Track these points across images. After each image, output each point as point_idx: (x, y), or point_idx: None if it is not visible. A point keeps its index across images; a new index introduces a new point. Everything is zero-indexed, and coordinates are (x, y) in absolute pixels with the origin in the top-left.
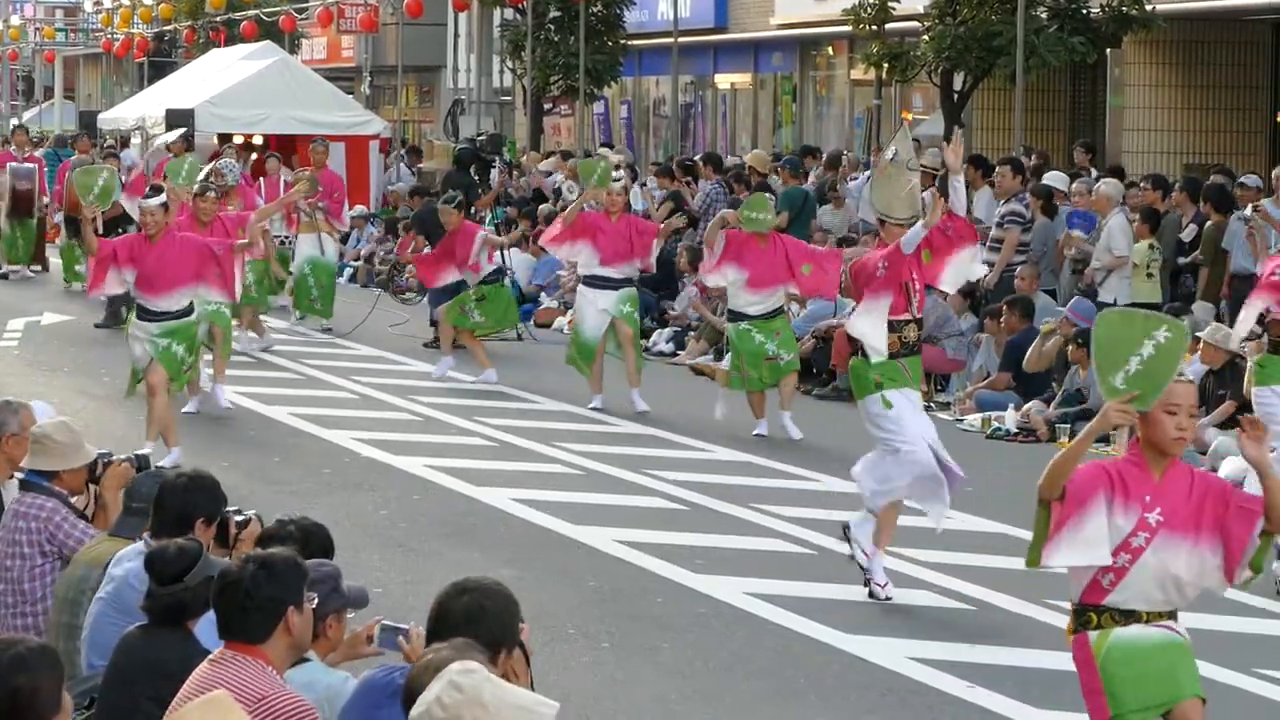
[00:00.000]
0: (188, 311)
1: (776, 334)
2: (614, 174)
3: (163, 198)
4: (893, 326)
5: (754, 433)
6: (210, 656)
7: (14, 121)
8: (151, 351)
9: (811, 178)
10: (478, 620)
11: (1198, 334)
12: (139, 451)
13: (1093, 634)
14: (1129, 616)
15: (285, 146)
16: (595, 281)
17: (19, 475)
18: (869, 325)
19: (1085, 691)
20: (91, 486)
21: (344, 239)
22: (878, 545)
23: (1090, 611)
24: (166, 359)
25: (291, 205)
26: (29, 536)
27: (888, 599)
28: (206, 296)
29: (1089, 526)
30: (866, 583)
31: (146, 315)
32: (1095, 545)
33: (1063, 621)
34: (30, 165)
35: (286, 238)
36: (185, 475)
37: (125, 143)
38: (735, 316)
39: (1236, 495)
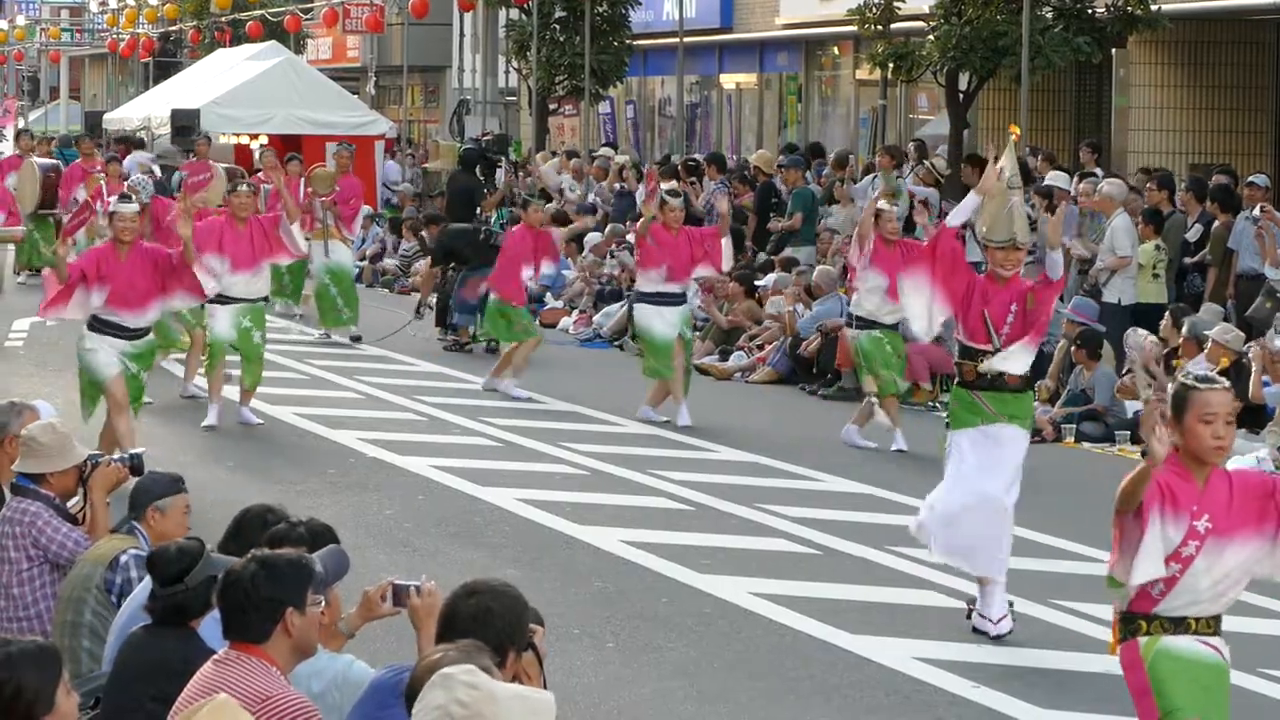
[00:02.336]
0: (149, 329)
1: (899, 356)
2: (667, 186)
3: (135, 206)
4: (971, 354)
5: (893, 448)
6: (215, 656)
7: (20, 122)
8: (119, 369)
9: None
10: (485, 621)
11: (1206, 333)
12: (133, 451)
13: (1142, 639)
14: (1178, 625)
15: (290, 147)
16: (655, 298)
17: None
18: (910, 303)
19: (1134, 693)
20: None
21: (372, 258)
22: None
23: (1140, 619)
24: (134, 384)
25: (307, 204)
26: (14, 541)
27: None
28: (179, 306)
29: (1151, 540)
30: (970, 615)
31: (116, 331)
32: (1159, 558)
33: (1067, 621)
34: (53, 161)
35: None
36: (274, 512)
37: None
38: (866, 324)
39: None
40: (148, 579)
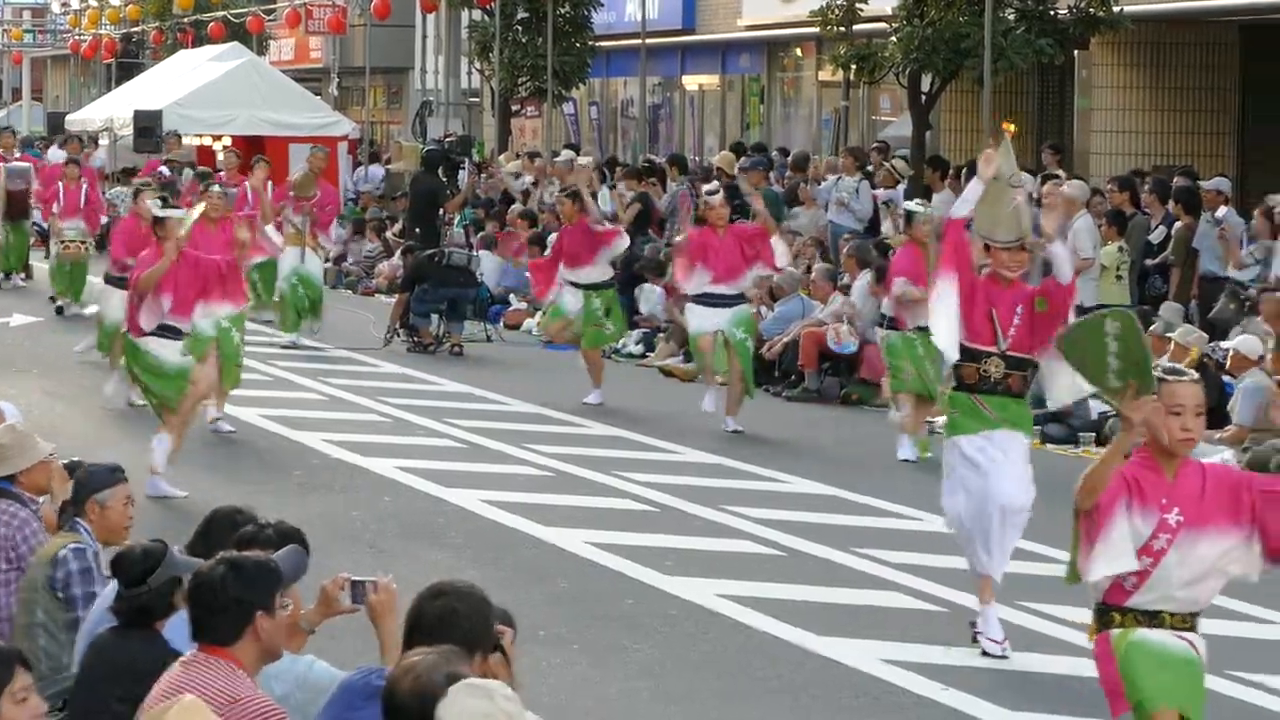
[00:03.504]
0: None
1: (935, 359)
2: (708, 186)
3: (183, 211)
4: (973, 355)
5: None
6: (182, 658)
7: None
8: (183, 357)
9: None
10: (451, 623)
11: (1169, 334)
12: (73, 459)
13: (1114, 632)
14: (1153, 618)
15: (253, 148)
16: (706, 299)
17: None
18: (938, 314)
19: (1105, 687)
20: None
21: (336, 259)
22: (983, 601)
23: (1113, 611)
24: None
25: (279, 209)
26: None
27: (1003, 656)
28: (221, 313)
29: (1114, 534)
30: (975, 638)
31: (174, 335)
32: (1123, 553)
33: (1033, 623)
34: (25, 165)
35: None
36: (243, 513)
37: (94, 143)
38: (895, 323)
39: (1258, 481)
40: (114, 581)
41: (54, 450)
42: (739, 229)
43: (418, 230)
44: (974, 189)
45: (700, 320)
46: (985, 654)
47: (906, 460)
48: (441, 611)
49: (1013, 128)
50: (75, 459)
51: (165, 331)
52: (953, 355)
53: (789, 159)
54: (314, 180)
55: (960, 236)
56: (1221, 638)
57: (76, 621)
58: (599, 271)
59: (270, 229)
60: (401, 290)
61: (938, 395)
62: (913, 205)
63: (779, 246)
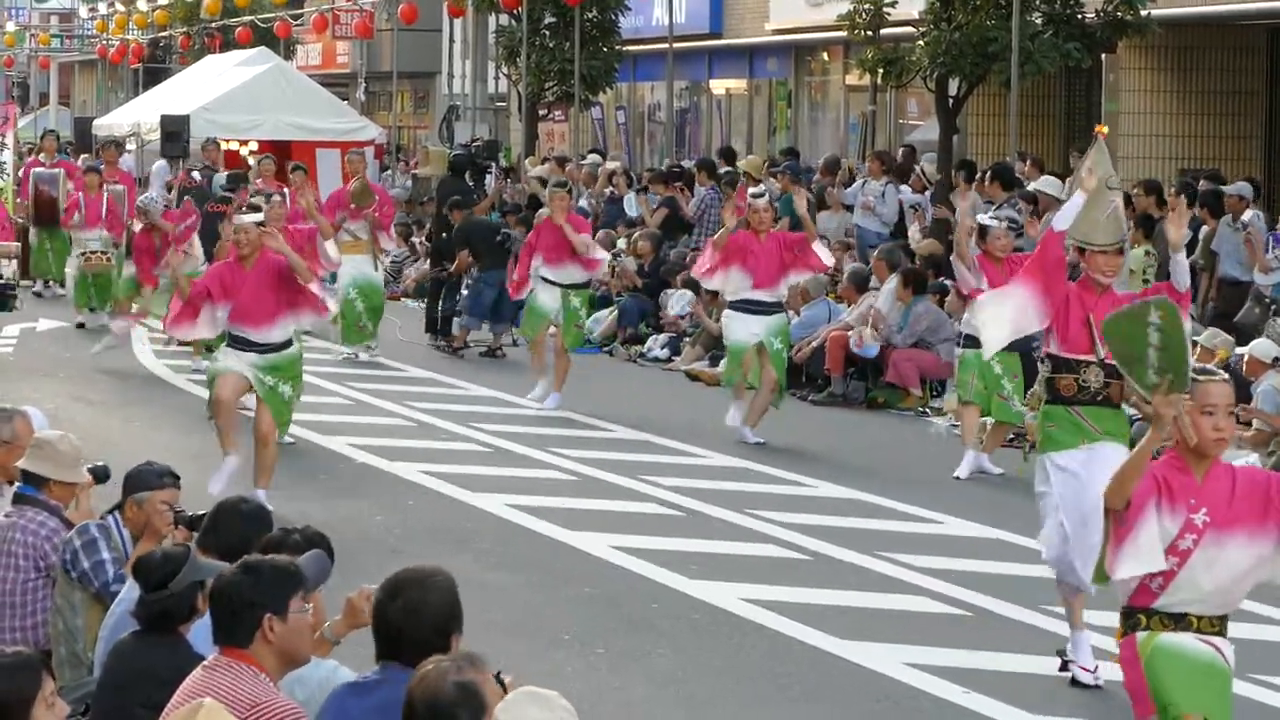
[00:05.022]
0: (289, 343)
1: (1014, 376)
2: (754, 189)
3: (259, 215)
4: (1070, 366)
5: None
6: (204, 663)
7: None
8: (258, 391)
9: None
10: (419, 617)
11: (1194, 338)
12: (98, 463)
13: (1140, 634)
14: (1179, 621)
15: (280, 152)
16: (745, 306)
17: (14, 486)
18: (990, 313)
19: (1130, 692)
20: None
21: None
22: (1074, 625)
23: (1139, 614)
24: (273, 400)
25: (337, 222)
26: (24, 550)
27: (1096, 685)
28: (308, 325)
29: (1143, 535)
30: (1065, 666)
31: (246, 345)
32: (1151, 553)
33: (1057, 626)
34: (55, 170)
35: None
36: (248, 502)
37: (120, 147)
38: (974, 342)
39: None
40: (130, 583)
41: (90, 481)
42: (781, 235)
43: (445, 235)
44: (1076, 200)
45: (740, 331)
46: (1076, 682)
47: (959, 478)
48: (405, 609)
49: (1105, 129)
50: (101, 463)
51: (236, 343)
52: (991, 349)
53: (820, 163)
54: (368, 189)
55: (1059, 250)
56: (1242, 640)
57: (98, 595)
58: (579, 272)
59: (330, 244)
60: (459, 248)
61: (1014, 414)
62: (987, 219)
63: (821, 249)
